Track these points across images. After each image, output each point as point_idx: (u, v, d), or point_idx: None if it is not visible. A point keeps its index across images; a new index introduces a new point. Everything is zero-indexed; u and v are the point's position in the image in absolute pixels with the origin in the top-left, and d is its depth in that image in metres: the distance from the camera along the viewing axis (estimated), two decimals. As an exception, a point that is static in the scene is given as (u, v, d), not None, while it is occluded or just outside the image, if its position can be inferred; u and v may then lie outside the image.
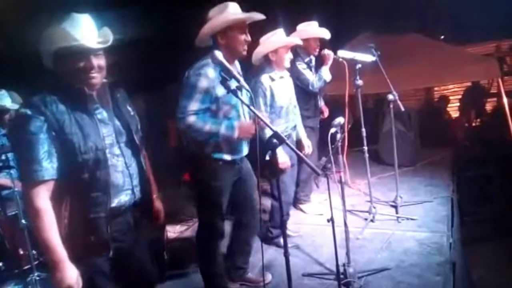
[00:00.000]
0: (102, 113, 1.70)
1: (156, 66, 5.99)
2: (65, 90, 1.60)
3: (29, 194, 1.52)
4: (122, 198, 1.73)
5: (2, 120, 3.54)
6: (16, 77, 3.97)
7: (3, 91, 3.53)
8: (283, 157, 3.02)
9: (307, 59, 3.81)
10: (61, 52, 1.57)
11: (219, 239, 2.71)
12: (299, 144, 3.47)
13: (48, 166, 1.52)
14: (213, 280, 2.72)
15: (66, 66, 1.60)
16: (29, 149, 1.50)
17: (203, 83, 2.33)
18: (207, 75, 2.33)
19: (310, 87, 3.72)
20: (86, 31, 1.60)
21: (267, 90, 3.09)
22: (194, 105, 2.35)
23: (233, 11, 2.44)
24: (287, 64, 3.21)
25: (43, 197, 1.52)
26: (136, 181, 1.79)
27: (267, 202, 3.66)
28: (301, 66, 3.74)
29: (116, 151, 1.72)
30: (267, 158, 1.93)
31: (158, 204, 2.04)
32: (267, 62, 3.20)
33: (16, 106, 3.44)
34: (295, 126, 3.38)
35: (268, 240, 3.44)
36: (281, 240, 3.36)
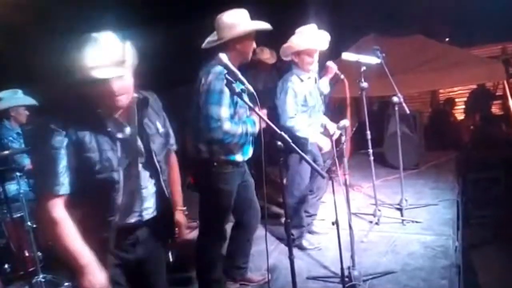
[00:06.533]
0: (125, 132, 1.65)
1: (167, 69, 6.02)
2: (86, 112, 1.57)
3: (45, 206, 1.53)
4: (129, 220, 1.71)
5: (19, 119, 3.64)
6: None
7: (19, 92, 3.62)
8: (323, 140, 3.12)
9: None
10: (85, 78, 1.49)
11: (222, 243, 2.73)
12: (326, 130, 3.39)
13: (65, 181, 1.54)
14: (212, 286, 2.72)
15: (90, 90, 1.54)
16: (49, 163, 1.52)
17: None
18: None
19: None
20: (103, 55, 1.50)
21: (298, 90, 3.11)
22: (226, 111, 2.35)
23: (251, 21, 2.48)
24: (309, 67, 3.18)
25: (59, 208, 1.53)
26: (147, 204, 1.75)
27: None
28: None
29: (134, 171, 1.68)
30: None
31: (179, 218, 1.98)
32: (293, 63, 3.22)
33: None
34: (321, 125, 3.39)
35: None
36: (303, 242, 3.37)
